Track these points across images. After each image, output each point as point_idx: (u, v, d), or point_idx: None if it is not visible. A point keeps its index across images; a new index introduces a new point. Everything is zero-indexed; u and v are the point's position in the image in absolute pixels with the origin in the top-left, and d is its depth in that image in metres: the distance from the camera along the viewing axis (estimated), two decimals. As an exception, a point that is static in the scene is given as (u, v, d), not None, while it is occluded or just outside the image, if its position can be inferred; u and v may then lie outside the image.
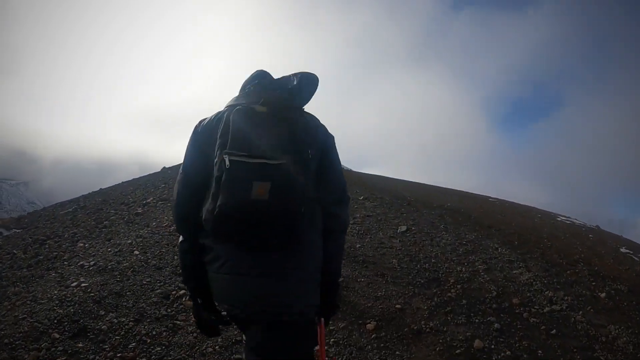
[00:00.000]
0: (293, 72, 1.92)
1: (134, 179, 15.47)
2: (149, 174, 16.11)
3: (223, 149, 1.66)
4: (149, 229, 7.40)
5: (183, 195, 1.89)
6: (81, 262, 5.79)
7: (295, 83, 1.87)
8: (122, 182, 15.20)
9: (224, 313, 1.90)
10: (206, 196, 1.75)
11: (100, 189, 14.61)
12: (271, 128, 1.70)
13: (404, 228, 7.89)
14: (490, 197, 15.24)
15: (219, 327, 2.01)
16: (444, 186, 17.28)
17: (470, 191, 16.50)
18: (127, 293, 4.80)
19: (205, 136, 1.83)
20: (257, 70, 2.00)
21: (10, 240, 8.13)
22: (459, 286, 5.77)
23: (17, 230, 9.30)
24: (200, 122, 1.92)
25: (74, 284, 4.96)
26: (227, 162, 1.62)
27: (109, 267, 5.47)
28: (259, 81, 1.94)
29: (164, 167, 16.74)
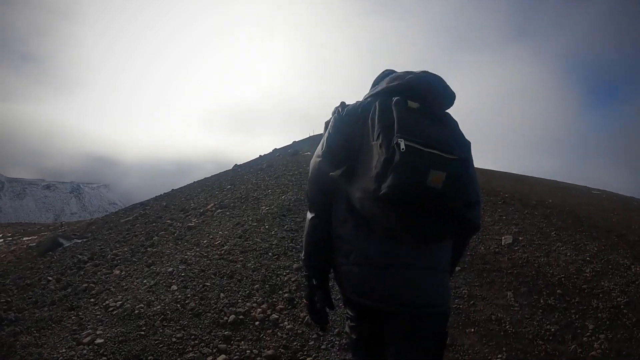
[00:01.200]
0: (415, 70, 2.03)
1: (204, 178, 15.79)
2: (219, 173, 16.26)
3: (389, 133, 1.73)
4: (198, 249, 6.50)
5: (325, 172, 1.97)
6: (108, 301, 4.95)
7: (435, 85, 1.96)
8: (194, 181, 15.50)
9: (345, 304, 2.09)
10: (354, 177, 1.86)
11: (172, 189, 15.04)
12: (432, 123, 1.82)
13: (509, 239, 6.62)
14: (592, 189, 12.81)
15: (327, 315, 2.10)
16: (526, 174, 14.97)
17: (554, 179, 14.43)
18: (149, 358, 3.76)
19: (351, 121, 1.95)
20: (387, 70, 2.22)
21: (58, 259, 7.84)
22: (601, 336, 4.17)
23: (78, 241, 9.18)
24: (343, 107, 2.05)
25: (88, 338, 4.06)
26: (403, 146, 1.66)
27: (137, 311, 4.53)
28: (397, 78, 2.01)
29: (235, 165, 16.95)
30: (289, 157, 15.92)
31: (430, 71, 1.99)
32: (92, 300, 5.18)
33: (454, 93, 2.01)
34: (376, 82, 2.16)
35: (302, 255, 2.13)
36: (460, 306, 4.89)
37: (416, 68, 2.22)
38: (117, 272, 6.15)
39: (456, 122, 1.98)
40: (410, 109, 1.81)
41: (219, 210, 8.89)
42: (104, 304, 4.90)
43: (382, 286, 1.81)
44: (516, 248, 6.33)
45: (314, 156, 2.06)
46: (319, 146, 2.04)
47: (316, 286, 2.06)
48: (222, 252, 6.16)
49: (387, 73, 2.15)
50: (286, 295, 4.89)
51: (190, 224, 8.18)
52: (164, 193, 14.97)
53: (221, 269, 5.52)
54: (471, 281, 5.45)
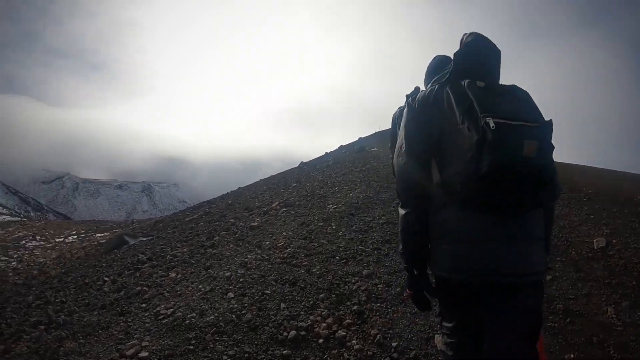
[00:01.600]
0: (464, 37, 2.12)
1: (271, 176, 15.87)
2: (286, 170, 16.30)
3: (472, 114, 1.82)
4: (259, 251, 6.02)
5: (410, 165, 2.05)
6: (159, 307, 4.57)
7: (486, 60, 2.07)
8: (260, 179, 15.63)
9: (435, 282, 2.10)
10: (442, 164, 1.95)
11: (239, 187, 15.30)
12: (504, 98, 1.89)
13: (602, 242, 5.72)
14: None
15: (430, 302, 2.21)
16: (607, 167, 13.27)
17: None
18: (195, 380, 3.26)
19: (425, 110, 2.04)
20: (438, 56, 2.43)
21: (120, 257, 7.95)
22: None
23: (143, 239, 9.35)
24: (412, 98, 2.15)
25: (132, 350, 3.65)
26: (492, 124, 1.75)
27: (187, 321, 4.07)
28: (455, 62, 2.07)
29: (302, 162, 17.03)
30: (355, 153, 15.54)
31: (475, 35, 2.08)
32: (143, 305, 4.83)
33: (498, 51, 2.10)
34: (431, 69, 2.35)
35: (400, 248, 2.17)
36: (556, 324, 4.07)
37: None
38: (174, 274, 5.82)
39: (526, 92, 2.02)
40: (480, 88, 1.89)
41: (284, 209, 8.50)
42: (154, 310, 4.52)
43: (487, 259, 1.85)
44: (611, 253, 5.41)
45: (395, 152, 2.15)
46: (398, 141, 2.13)
47: (417, 276, 2.12)
48: (285, 255, 5.62)
49: (440, 59, 2.35)
50: (355, 307, 4.21)
51: (253, 224, 7.80)
52: (231, 191, 15.30)
53: (283, 275, 4.96)
54: (565, 293, 4.59)
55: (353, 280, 4.77)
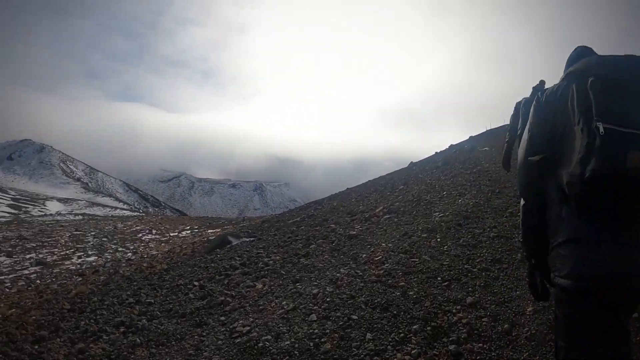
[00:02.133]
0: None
1: (379, 177, 15.71)
2: (394, 171, 15.96)
3: (588, 116, 1.81)
4: (354, 265, 5.55)
5: (530, 160, 2.06)
6: (237, 323, 4.31)
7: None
8: (368, 180, 15.43)
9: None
10: (560, 162, 1.93)
11: (347, 188, 15.24)
12: (631, 101, 1.81)
13: None
14: None
15: (548, 291, 2.17)
16: None
17: None
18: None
19: (551, 107, 2.04)
20: (579, 47, 2.24)
21: (218, 258, 8.12)
22: None
23: (245, 240, 9.55)
24: (541, 91, 2.14)
25: (197, 373, 3.36)
26: (602, 129, 1.74)
27: (261, 344, 3.72)
28: (596, 56, 2.05)
29: (411, 162, 16.58)
30: (465, 153, 14.54)
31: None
32: (222, 318, 4.62)
33: None
34: (570, 61, 2.21)
35: (520, 238, 2.39)
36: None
37: (608, 52, 2.05)
38: (260, 285, 5.57)
39: None
40: (606, 88, 1.84)
41: (387, 216, 8.00)
42: (231, 325, 4.27)
43: (606, 265, 1.80)
44: None
45: (520, 144, 2.17)
46: (524, 132, 2.15)
47: (535, 265, 2.15)
48: (381, 272, 5.05)
49: (581, 51, 2.20)
50: (452, 347, 3.46)
51: (352, 232, 7.38)
52: (339, 192, 15.25)
53: (375, 297, 4.40)
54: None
55: (454, 310, 4.03)
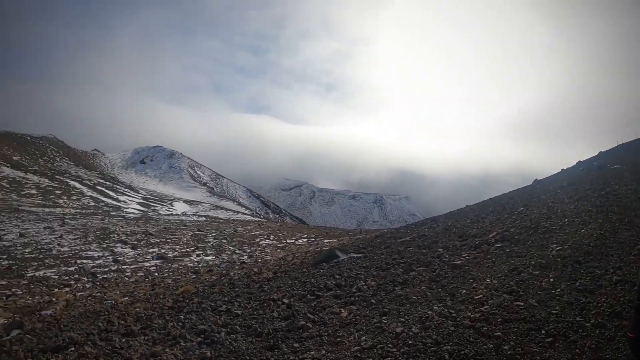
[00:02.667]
0: None
1: (501, 195, 15.06)
2: (517, 189, 15.09)
3: None
4: (451, 302, 5.12)
5: None
6: (307, 354, 4.22)
7: None
8: (489, 198, 15.07)
9: None
10: None
11: (466, 206, 14.65)
12: None
13: None
14: None
15: None
16: None
17: None
18: None
19: None
20: None
21: (320, 274, 8.22)
22: None
23: (353, 256, 9.59)
24: None
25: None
26: None
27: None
28: None
29: (535, 180, 15.33)
30: (593, 171, 12.87)
31: None
32: (295, 345, 4.53)
33: None
34: None
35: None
36: None
37: None
38: (346, 313, 5.39)
39: None
40: None
41: (499, 244, 7.36)
42: (302, 355, 4.16)
43: None
44: None
45: None
46: None
47: None
48: (478, 315, 4.54)
49: None
50: None
51: (457, 261, 6.88)
52: (457, 209, 14.87)
53: (463, 347, 3.92)
54: None
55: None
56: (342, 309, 5.58)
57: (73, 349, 5.61)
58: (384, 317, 5.02)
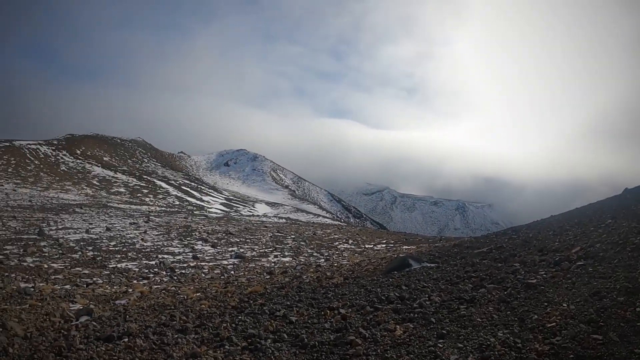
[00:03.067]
0: None
1: (589, 204, 14.00)
2: (606, 199, 14.06)
3: None
4: (518, 329, 4.60)
5: None
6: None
7: None
8: (575, 208, 14.14)
9: None
10: None
11: (551, 216, 13.98)
12: None
13: None
14: None
15: None
16: None
17: None
18: None
19: None
20: None
21: (388, 283, 8.01)
22: None
23: (428, 265, 9.33)
24: None
25: None
26: None
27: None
28: None
29: (626, 189, 13.86)
30: None
31: None
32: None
33: None
34: None
35: None
36: None
37: None
38: (400, 331, 5.06)
39: None
40: None
41: (581, 262, 6.57)
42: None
43: None
44: None
45: None
46: None
47: None
48: (547, 347, 3.97)
49: None
50: None
51: (532, 280, 6.24)
52: (540, 220, 14.12)
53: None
54: None
55: None
56: (398, 326, 5.24)
57: (126, 339, 5.77)
58: (440, 340, 4.61)
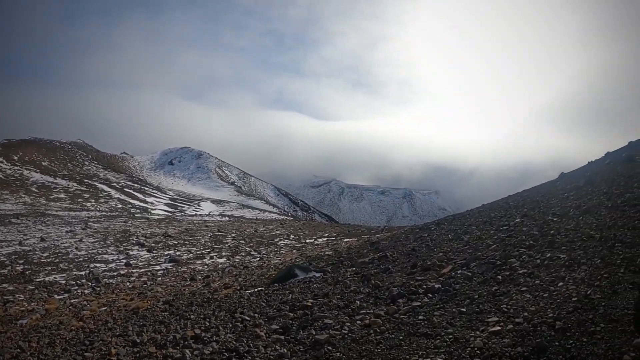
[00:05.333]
0: None
1: (518, 193, 14.22)
2: (540, 185, 14.24)
3: None
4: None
5: None
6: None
7: None
8: (509, 195, 14.38)
9: None
10: None
11: (482, 204, 14.10)
12: None
13: None
14: None
15: None
16: None
17: None
18: None
19: None
20: None
21: (274, 293, 7.99)
22: None
23: (316, 275, 8.93)
24: None
25: None
26: None
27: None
28: None
29: (562, 174, 14.12)
30: (620, 165, 11.10)
31: None
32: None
33: None
34: None
35: None
36: None
37: None
38: None
39: None
40: None
41: (419, 303, 5.55)
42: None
43: None
44: None
45: None
46: None
47: None
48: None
49: None
50: None
51: (320, 336, 5.10)
52: (465, 211, 14.42)
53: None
54: None
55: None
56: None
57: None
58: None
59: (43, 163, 63.57)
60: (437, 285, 5.89)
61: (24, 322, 8.54)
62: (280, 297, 7.41)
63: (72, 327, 7.91)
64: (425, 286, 6.01)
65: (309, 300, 6.63)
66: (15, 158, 60.57)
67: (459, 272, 6.27)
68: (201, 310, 7.63)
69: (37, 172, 55.57)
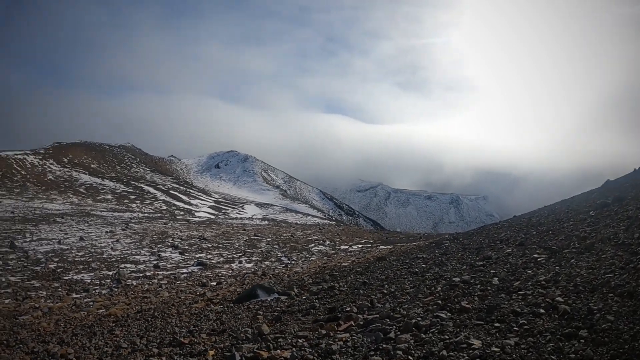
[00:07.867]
0: None
1: (571, 198, 13.56)
2: (584, 192, 13.26)
3: None
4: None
5: None
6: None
7: None
8: (558, 201, 13.49)
9: None
10: None
11: (516, 216, 13.34)
12: None
13: None
14: None
15: None
16: None
17: None
18: None
19: None
20: None
21: (234, 315, 7.88)
22: None
23: (281, 298, 8.47)
24: None
25: None
26: None
27: None
28: None
29: (607, 180, 13.16)
30: None
31: None
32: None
33: None
34: None
35: None
36: None
37: None
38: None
39: None
40: None
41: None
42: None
43: None
44: None
45: None
46: None
47: None
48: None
49: None
50: None
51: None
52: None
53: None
54: None
55: None
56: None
57: None
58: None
59: (92, 165, 66.23)
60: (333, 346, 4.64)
61: (26, 318, 8.76)
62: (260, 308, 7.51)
63: (33, 329, 8.02)
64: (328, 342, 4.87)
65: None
66: (65, 160, 63.35)
67: (359, 332, 5.03)
68: (139, 324, 7.75)
69: (86, 174, 57.91)
